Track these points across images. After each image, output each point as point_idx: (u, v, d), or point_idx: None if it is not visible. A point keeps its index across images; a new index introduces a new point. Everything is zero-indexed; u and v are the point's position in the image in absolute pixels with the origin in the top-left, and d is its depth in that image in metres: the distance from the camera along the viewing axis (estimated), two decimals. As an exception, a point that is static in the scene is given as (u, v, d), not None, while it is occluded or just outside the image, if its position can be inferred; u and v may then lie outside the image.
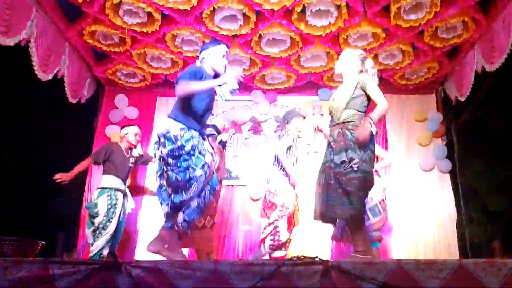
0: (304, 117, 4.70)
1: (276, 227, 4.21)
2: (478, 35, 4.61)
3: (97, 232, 4.17)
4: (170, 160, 2.86)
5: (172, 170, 2.87)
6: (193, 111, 2.98)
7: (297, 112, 4.73)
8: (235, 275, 2.01)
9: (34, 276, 2.07)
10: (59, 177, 4.29)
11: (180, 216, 2.90)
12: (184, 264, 2.11)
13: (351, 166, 2.89)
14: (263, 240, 4.26)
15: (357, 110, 3.10)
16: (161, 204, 3.02)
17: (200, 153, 2.89)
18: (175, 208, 2.92)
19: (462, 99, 5.22)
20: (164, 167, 2.93)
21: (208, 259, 3.93)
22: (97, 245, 4.13)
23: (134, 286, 2.03)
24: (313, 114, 5.11)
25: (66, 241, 5.38)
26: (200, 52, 3.19)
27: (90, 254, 4.15)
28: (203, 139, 3.07)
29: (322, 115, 5.82)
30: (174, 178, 2.86)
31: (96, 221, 4.19)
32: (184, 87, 2.85)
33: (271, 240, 4.20)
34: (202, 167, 2.86)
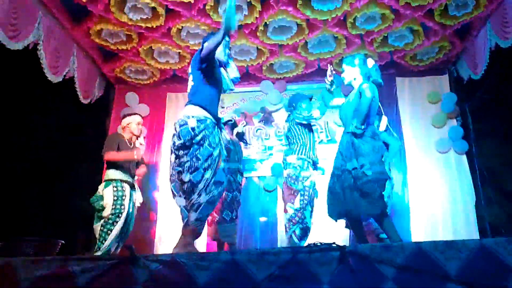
0: (310, 99, 4.53)
1: (302, 214, 4.07)
2: (490, 11, 4.49)
3: (105, 228, 3.91)
4: (181, 152, 2.84)
5: (182, 161, 2.83)
6: (211, 99, 2.97)
7: (301, 96, 4.57)
8: (252, 264, 2.00)
9: (54, 274, 2.09)
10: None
11: (192, 216, 2.79)
12: (201, 256, 2.11)
13: (363, 172, 3.08)
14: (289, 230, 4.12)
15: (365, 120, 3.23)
16: (174, 196, 2.96)
17: (209, 145, 2.83)
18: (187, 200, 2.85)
19: (477, 77, 5.10)
20: (177, 158, 2.88)
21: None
22: (105, 244, 3.86)
23: (152, 280, 2.04)
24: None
25: (85, 240, 5.44)
26: (203, 42, 3.12)
27: (98, 253, 3.82)
28: (220, 129, 3.02)
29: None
30: (183, 169, 2.81)
31: (104, 214, 3.92)
32: (211, 43, 2.85)
33: (300, 228, 4.06)
34: (207, 159, 2.79)
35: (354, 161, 3.13)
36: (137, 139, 4.42)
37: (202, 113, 2.89)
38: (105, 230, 3.91)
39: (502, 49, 4.48)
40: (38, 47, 4.13)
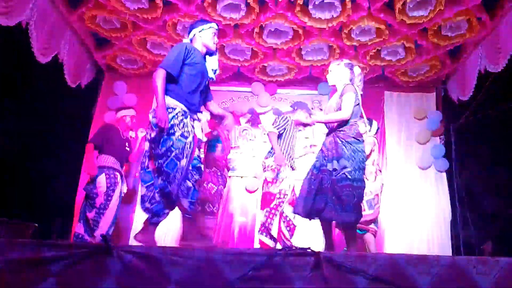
0: (310, 114, 4.65)
1: (282, 214, 4.19)
2: (483, 36, 4.59)
3: (99, 216, 4.00)
4: (155, 143, 2.86)
5: (156, 151, 2.85)
6: (180, 87, 2.96)
7: (305, 106, 4.62)
8: (226, 264, 2.01)
9: (26, 258, 2.06)
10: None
11: (185, 202, 2.89)
12: (176, 251, 2.10)
13: (344, 173, 3.02)
14: (262, 230, 4.21)
15: (348, 120, 3.17)
16: (141, 185, 2.99)
17: (182, 135, 2.84)
18: (161, 192, 2.86)
19: (465, 99, 5.19)
20: (152, 149, 2.90)
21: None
22: (102, 227, 3.96)
23: (125, 271, 2.02)
24: (312, 109, 5.12)
25: (61, 226, 5.37)
26: (190, 29, 3.19)
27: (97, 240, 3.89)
28: (192, 119, 3.00)
29: (321, 109, 5.80)
30: (158, 159, 2.84)
31: (97, 201, 4.03)
32: (157, 80, 2.85)
33: (287, 229, 4.19)
34: (183, 148, 2.83)
35: (335, 162, 3.08)
36: (131, 131, 4.58)
37: (171, 102, 2.90)
38: (99, 217, 3.99)
39: (490, 73, 4.58)
40: (29, 26, 4.06)
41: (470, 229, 5.45)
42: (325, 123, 3.32)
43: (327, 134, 3.31)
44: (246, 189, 5.67)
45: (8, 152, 5.10)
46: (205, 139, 3.32)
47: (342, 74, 3.34)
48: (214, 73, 3.20)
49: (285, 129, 4.36)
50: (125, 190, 4.46)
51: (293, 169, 4.35)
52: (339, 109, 3.19)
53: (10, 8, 3.71)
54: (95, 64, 5.76)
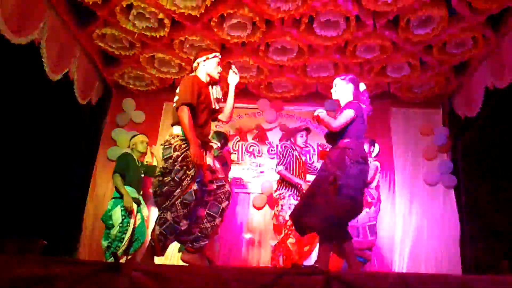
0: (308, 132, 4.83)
1: (285, 246, 4.28)
2: (487, 52, 4.61)
3: (112, 246, 4.17)
4: (162, 170, 2.96)
5: (159, 180, 2.95)
6: (195, 121, 3.01)
7: (298, 129, 4.85)
8: (235, 282, 2.00)
9: (34, 275, 2.06)
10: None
11: (156, 229, 2.90)
12: (184, 269, 2.10)
13: (343, 190, 2.90)
14: (273, 260, 4.35)
15: (353, 136, 3.11)
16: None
17: (187, 167, 2.90)
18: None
19: (471, 115, 5.17)
20: (159, 177, 2.99)
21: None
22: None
23: (134, 289, 2.02)
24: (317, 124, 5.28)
25: (68, 243, 5.37)
26: (194, 59, 3.31)
27: None
28: (205, 151, 3.07)
29: None
30: (158, 188, 2.94)
31: (112, 232, 4.21)
32: (184, 118, 2.94)
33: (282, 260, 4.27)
34: (181, 180, 2.88)
35: (335, 175, 2.95)
36: (145, 155, 4.81)
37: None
38: (112, 247, 4.16)
39: (498, 89, 4.57)
40: (40, 45, 4.15)
41: (478, 246, 5.37)
42: (326, 127, 3.20)
43: (332, 148, 3.22)
44: (253, 205, 5.65)
45: (16, 169, 5.13)
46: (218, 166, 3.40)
47: (346, 89, 3.30)
48: (217, 103, 3.23)
49: (289, 159, 4.54)
50: (146, 213, 4.61)
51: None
52: (363, 127, 3.18)
53: (21, 27, 3.79)
54: (103, 82, 5.84)
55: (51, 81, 4.47)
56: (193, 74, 3.27)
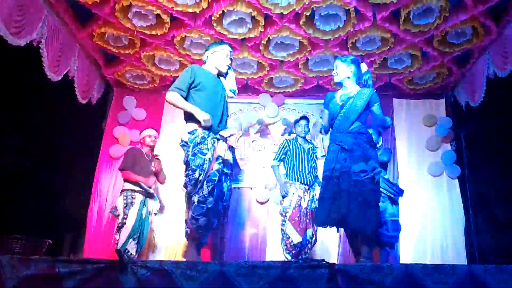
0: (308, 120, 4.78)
1: (284, 233, 4.30)
2: (489, 41, 4.58)
3: (119, 231, 4.25)
4: (185, 167, 3.07)
5: (185, 174, 3.03)
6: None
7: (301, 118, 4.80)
8: (241, 277, 2.00)
9: (41, 275, 2.07)
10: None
11: (189, 214, 2.98)
12: (190, 266, 2.10)
13: (373, 177, 2.88)
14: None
15: (363, 123, 3.16)
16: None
17: (201, 152, 2.96)
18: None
19: (475, 105, 5.16)
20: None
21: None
22: (120, 242, 4.17)
23: (140, 287, 2.03)
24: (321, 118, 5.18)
25: (73, 241, 5.40)
26: (205, 51, 3.35)
27: None
28: (214, 139, 3.07)
29: None
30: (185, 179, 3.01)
31: (119, 221, 4.30)
32: (173, 98, 3.07)
33: (285, 247, 4.28)
34: (200, 165, 2.93)
35: (363, 163, 2.91)
36: (152, 149, 4.75)
37: (192, 127, 3.05)
38: (118, 235, 4.23)
39: (500, 78, 4.56)
40: (40, 45, 4.14)
41: (484, 235, 5.37)
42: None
43: (344, 132, 3.12)
44: (256, 200, 5.65)
45: (19, 168, 5.16)
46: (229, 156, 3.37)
47: (349, 71, 3.25)
48: (234, 92, 3.31)
49: (286, 153, 4.56)
50: (157, 207, 4.62)
51: (307, 184, 4.43)
52: (367, 110, 3.15)
53: (21, 28, 3.78)
54: (104, 80, 5.84)
55: (52, 82, 4.47)
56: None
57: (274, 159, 4.64)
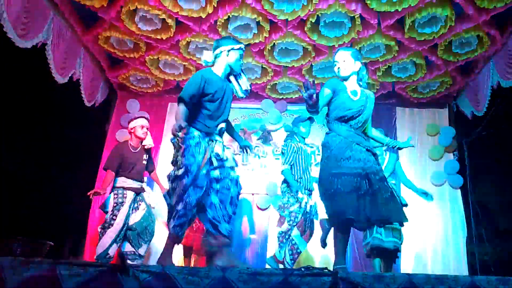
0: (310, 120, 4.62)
1: (290, 238, 4.21)
2: (493, 51, 4.59)
3: (103, 230, 4.06)
4: (173, 165, 2.92)
5: (170, 173, 2.91)
6: (200, 117, 2.96)
7: (301, 118, 4.62)
8: (243, 284, 1.99)
9: (42, 277, 2.07)
10: (94, 192, 4.20)
11: (170, 223, 2.84)
12: (192, 271, 2.09)
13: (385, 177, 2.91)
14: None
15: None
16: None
17: (192, 154, 2.84)
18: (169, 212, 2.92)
19: (479, 114, 5.15)
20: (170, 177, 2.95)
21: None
22: (103, 244, 3.98)
23: (141, 291, 2.02)
24: (324, 125, 5.14)
25: (74, 244, 5.39)
26: (218, 45, 3.04)
27: (96, 255, 3.96)
28: (212, 140, 2.98)
29: None
30: (170, 180, 2.90)
31: (107, 219, 4.12)
32: (179, 111, 2.86)
33: (290, 253, 4.20)
34: (187, 167, 2.80)
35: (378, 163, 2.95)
36: (143, 140, 4.50)
37: (189, 130, 2.92)
38: (102, 233, 4.04)
39: (503, 88, 4.56)
40: (46, 47, 4.16)
41: (485, 246, 5.35)
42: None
43: (360, 130, 3.00)
44: (257, 206, 5.64)
45: (23, 171, 5.17)
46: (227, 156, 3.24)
47: (354, 68, 2.99)
48: (246, 93, 3.12)
49: (294, 157, 4.40)
50: (153, 204, 4.49)
51: (310, 190, 4.36)
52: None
53: (27, 30, 3.81)
54: (108, 83, 5.86)
55: (56, 86, 4.49)
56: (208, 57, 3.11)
57: (284, 163, 4.42)
